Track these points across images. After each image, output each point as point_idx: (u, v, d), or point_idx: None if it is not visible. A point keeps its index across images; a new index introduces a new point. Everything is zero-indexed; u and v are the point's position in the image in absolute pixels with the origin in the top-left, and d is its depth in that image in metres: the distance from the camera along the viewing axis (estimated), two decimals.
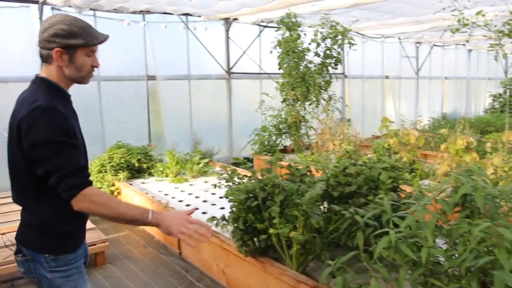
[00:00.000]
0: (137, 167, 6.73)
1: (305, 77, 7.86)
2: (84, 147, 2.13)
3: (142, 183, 6.46)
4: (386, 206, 2.72)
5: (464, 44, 14.19)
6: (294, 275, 3.25)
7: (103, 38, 2.05)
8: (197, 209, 4.81)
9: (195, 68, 8.51)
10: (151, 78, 7.95)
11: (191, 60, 8.47)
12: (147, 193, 5.81)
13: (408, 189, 4.11)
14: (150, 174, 6.82)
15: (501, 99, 14.11)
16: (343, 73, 11.12)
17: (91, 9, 6.92)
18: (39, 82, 2.02)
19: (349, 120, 9.03)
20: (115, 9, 7.17)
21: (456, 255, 2.27)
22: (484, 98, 16.29)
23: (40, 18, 6.47)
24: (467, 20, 5.72)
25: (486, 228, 2.11)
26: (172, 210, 2.07)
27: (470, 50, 15.09)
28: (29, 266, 2.05)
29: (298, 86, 7.79)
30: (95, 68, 2.11)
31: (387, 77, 12.45)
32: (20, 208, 2.12)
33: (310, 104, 8.17)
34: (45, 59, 2.00)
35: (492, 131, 9.96)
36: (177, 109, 8.39)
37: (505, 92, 13.48)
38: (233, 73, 8.98)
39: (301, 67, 7.91)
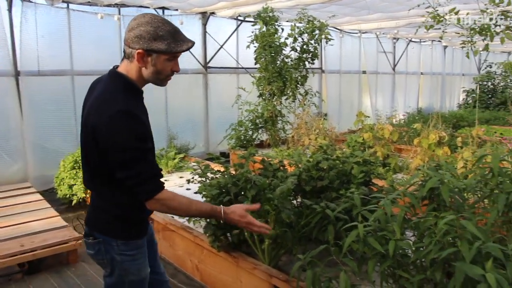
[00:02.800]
0: None
1: (281, 71, 7.87)
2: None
3: None
4: (356, 200, 2.76)
5: (439, 41, 14.40)
6: (266, 269, 3.27)
7: (188, 46, 2.03)
8: None
9: None
10: None
11: None
12: None
13: (380, 183, 4.18)
14: None
15: (474, 95, 14.39)
16: (320, 68, 11.17)
17: (63, 1, 6.76)
18: (117, 78, 2.05)
19: (326, 115, 9.09)
20: (89, 2, 7.04)
21: (423, 247, 2.32)
22: (458, 93, 16.60)
23: (9, 10, 6.30)
24: (441, 17, 5.80)
25: (450, 221, 2.15)
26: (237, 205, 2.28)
27: (445, 47, 15.33)
28: (99, 249, 2.15)
29: (274, 81, 7.80)
30: (174, 72, 2.11)
31: (364, 72, 12.56)
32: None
33: (286, 99, 8.19)
34: (128, 56, 2.01)
35: (464, 125, 10.16)
36: (153, 104, 8.16)
37: (477, 88, 13.74)
38: (210, 67, 8.92)
39: (278, 62, 7.92)
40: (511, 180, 2.39)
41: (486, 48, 5.61)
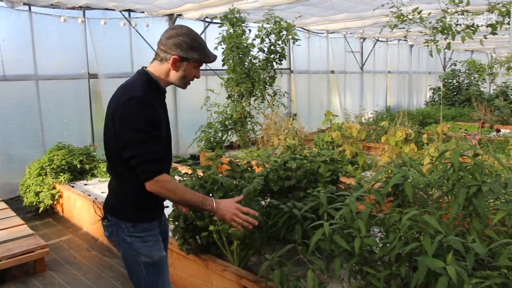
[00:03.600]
0: (80, 169, 6.52)
1: (249, 72, 7.86)
2: (169, 139, 2.45)
3: (85, 184, 6.27)
4: (322, 199, 2.78)
5: (405, 40, 14.65)
6: (236, 270, 3.27)
7: (214, 58, 2.35)
8: None
9: (139, 65, 8.12)
10: (93, 76, 7.72)
11: (134, 58, 8.29)
12: (89, 195, 5.65)
13: (348, 181, 4.21)
14: (93, 175, 6.63)
15: (440, 92, 14.70)
16: (289, 68, 11.22)
17: (25, 3, 6.58)
18: (142, 74, 2.31)
19: (295, 115, 9.13)
20: (52, 4, 6.89)
21: (389, 243, 2.35)
22: (425, 91, 16.93)
23: None
24: (405, 16, 5.91)
25: (413, 216, 2.19)
26: (226, 198, 2.37)
27: (411, 46, 15.61)
28: (112, 230, 2.37)
29: (243, 82, 7.79)
30: (195, 78, 2.38)
31: (332, 71, 12.66)
32: None
33: (255, 100, 8.19)
34: (160, 58, 2.27)
35: (431, 122, 10.37)
36: None
37: (442, 86, 14.04)
38: None
39: (246, 63, 7.90)
40: (471, 174, 2.44)
41: (448, 46, 5.74)
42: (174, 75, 2.30)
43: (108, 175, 6.45)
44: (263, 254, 3.13)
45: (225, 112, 8.01)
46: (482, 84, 15.46)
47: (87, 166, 6.57)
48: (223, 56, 7.97)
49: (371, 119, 11.13)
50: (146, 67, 2.35)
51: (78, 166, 6.45)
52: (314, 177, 3.62)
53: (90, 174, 6.59)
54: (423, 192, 2.68)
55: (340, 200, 2.84)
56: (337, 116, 7.36)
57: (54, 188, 6.12)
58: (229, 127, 8.05)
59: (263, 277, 2.82)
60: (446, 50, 8.10)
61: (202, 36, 9.23)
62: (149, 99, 2.20)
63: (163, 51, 2.25)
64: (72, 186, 6.10)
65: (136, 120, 2.15)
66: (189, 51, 2.23)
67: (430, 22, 5.86)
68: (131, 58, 8.26)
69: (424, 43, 6.25)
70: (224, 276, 3.33)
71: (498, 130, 8.30)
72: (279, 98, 8.39)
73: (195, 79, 2.39)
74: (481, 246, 2.02)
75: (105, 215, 2.43)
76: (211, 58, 2.33)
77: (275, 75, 8.33)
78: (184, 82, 2.35)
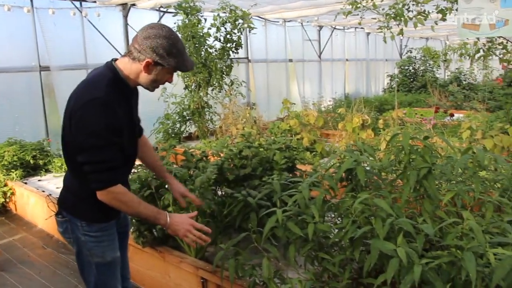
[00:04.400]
0: (33, 164, 6.30)
1: (206, 62, 7.76)
2: (133, 140, 2.36)
3: (39, 180, 6.06)
4: (276, 186, 2.76)
5: (362, 28, 14.83)
6: (193, 261, 3.22)
7: (192, 67, 2.23)
8: None
9: (93, 57, 8.04)
10: (45, 68, 7.43)
11: (88, 49, 8.02)
12: (43, 191, 5.46)
13: (305, 168, 4.22)
14: (48, 171, 6.42)
15: (397, 79, 14.99)
16: (246, 58, 11.15)
17: None
18: (109, 69, 2.15)
19: (254, 104, 9.09)
20: None
21: (343, 228, 2.35)
22: (382, 78, 17.21)
23: None
24: (358, 3, 5.94)
25: (365, 200, 2.19)
26: (180, 213, 2.32)
27: (368, 33, 15.81)
28: (67, 227, 2.28)
29: (199, 72, 7.69)
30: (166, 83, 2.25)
31: (290, 60, 12.67)
32: None
33: (212, 90, 8.11)
34: (133, 57, 2.10)
35: (389, 109, 10.55)
36: None
37: (397, 72, 14.32)
38: None
39: (202, 53, 7.79)
40: (422, 157, 2.46)
41: (400, 32, 5.81)
42: (144, 78, 2.15)
43: (63, 170, 6.32)
44: (219, 244, 3.09)
45: (182, 102, 7.90)
46: (437, 70, 15.87)
47: (40, 162, 6.36)
48: None
49: (330, 106, 11.23)
50: (116, 60, 2.19)
51: (31, 161, 6.24)
52: (270, 165, 3.60)
53: (44, 170, 6.38)
54: (377, 176, 2.69)
55: (295, 187, 2.82)
56: (295, 104, 7.37)
57: (5, 185, 5.90)
58: (187, 117, 7.94)
59: (218, 266, 2.78)
60: (401, 38, 8.25)
61: None
62: (111, 102, 2.05)
63: (137, 50, 2.09)
64: (25, 183, 5.89)
65: (94, 124, 2.01)
66: (165, 57, 2.08)
67: (383, 9, 5.91)
68: (84, 50, 7.97)
69: (377, 29, 6.31)
70: (182, 268, 3.28)
71: (451, 115, 8.52)
72: (237, 88, 8.33)
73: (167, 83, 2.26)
74: (431, 226, 2.04)
75: (59, 210, 2.32)
76: (188, 66, 2.20)
77: (232, 64, 8.26)
78: (153, 86, 2.21)
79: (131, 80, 2.17)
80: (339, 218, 2.55)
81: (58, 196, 2.38)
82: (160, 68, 2.12)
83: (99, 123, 2.01)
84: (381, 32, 6.22)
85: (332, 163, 2.77)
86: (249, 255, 2.69)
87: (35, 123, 7.47)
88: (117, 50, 8.29)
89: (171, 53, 2.08)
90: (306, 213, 2.47)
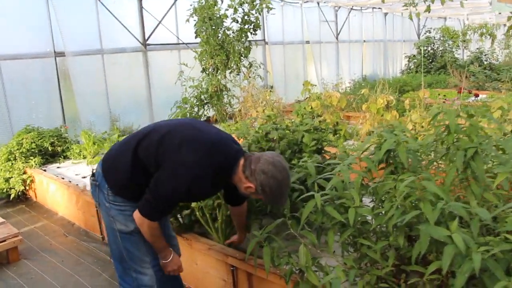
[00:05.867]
0: (51, 151, 6.22)
1: (224, 44, 7.61)
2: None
3: (58, 167, 5.98)
4: (310, 169, 2.62)
5: (380, 8, 14.49)
6: (222, 248, 3.10)
7: (282, 204, 2.40)
8: None
9: (108, 41, 7.89)
10: (60, 54, 7.31)
11: (102, 33, 7.86)
12: (63, 178, 5.38)
13: (333, 150, 4.07)
14: (66, 157, 6.35)
15: (415, 60, 14.66)
16: (263, 40, 10.95)
17: None
18: (234, 160, 2.30)
19: (272, 87, 8.93)
20: None
21: (383, 213, 2.21)
22: (400, 59, 16.88)
23: None
24: None
25: (411, 183, 2.04)
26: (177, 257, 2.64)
27: (386, 14, 15.47)
28: (95, 190, 2.45)
29: (217, 54, 7.53)
30: None
31: (307, 42, 12.44)
32: None
33: (230, 72, 7.96)
34: (245, 176, 2.26)
35: (409, 90, 10.32)
36: (91, 86, 7.76)
37: (421, 52, 13.99)
38: (149, 44, 8.48)
39: (219, 35, 7.64)
40: (468, 136, 2.30)
41: (427, 9, 5.58)
42: (242, 188, 2.31)
43: (81, 156, 6.26)
44: (250, 230, 2.97)
45: (200, 86, 7.74)
46: (456, 50, 15.49)
47: (59, 149, 6.28)
48: (196, 28, 7.67)
49: (349, 88, 11.01)
50: (244, 156, 2.31)
51: (50, 148, 6.16)
52: (298, 147, 3.46)
53: (62, 157, 6.31)
54: (415, 157, 2.53)
55: (328, 170, 2.69)
56: (315, 85, 7.20)
57: (25, 173, 5.84)
58: (205, 101, 7.79)
59: (252, 254, 2.66)
60: (419, 18, 7.91)
61: (173, 9, 8.86)
62: (207, 176, 2.22)
63: (251, 174, 2.23)
64: (44, 170, 5.82)
65: (181, 182, 2.17)
66: (267, 194, 2.25)
67: None
68: (99, 34, 7.84)
69: (403, 6, 6.08)
70: (210, 255, 3.17)
71: (476, 95, 8.27)
72: (255, 70, 8.16)
73: None
74: (486, 211, 1.89)
75: (94, 173, 2.47)
76: (279, 204, 2.40)
77: (250, 46, 8.09)
78: (247, 195, 2.38)
79: (233, 179, 2.32)
80: (377, 202, 2.41)
81: (102, 158, 2.51)
82: (257, 194, 2.28)
83: (184, 185, 2.18)
84: (406, 9, 6.00)
85: (368, 144, 2.62)
86: (282, 242, 2.56)
87: (52, 110, 7.36)
88: (132, 34, 8.15)
89: (273, 193, 2.25)
90: (345, 196, 2.33)
